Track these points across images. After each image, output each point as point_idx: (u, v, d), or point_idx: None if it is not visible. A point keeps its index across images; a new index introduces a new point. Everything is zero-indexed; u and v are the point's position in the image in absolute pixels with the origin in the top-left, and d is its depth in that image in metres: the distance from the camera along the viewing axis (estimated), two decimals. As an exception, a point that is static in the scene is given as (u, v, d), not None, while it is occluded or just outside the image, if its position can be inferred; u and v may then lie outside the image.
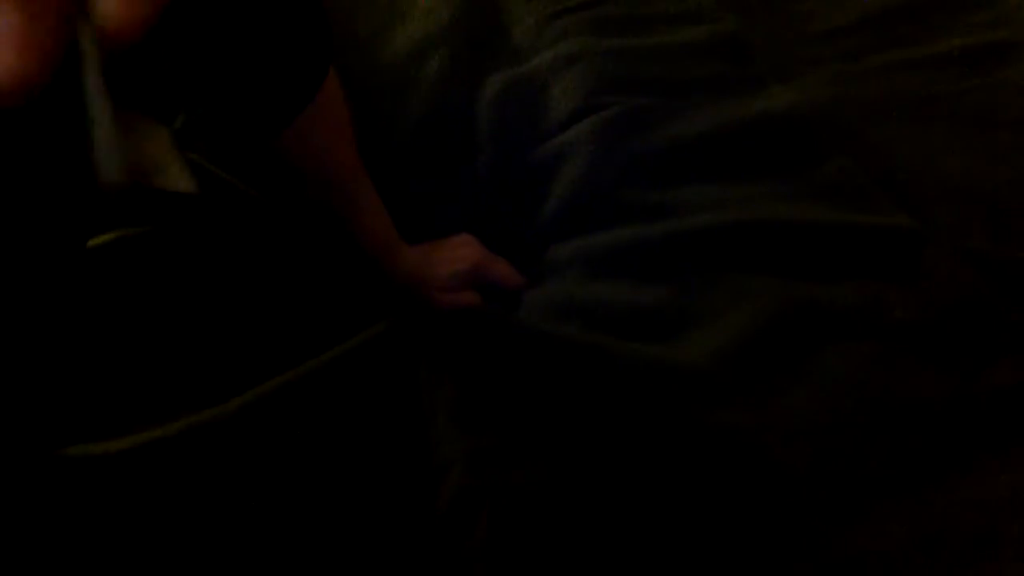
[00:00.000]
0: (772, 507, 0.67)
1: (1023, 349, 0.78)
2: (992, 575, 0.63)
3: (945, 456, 0.70)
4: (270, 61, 0.61)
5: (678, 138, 0.94)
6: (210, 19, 0.49)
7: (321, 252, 0.85)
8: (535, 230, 0.93)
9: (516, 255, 0.95)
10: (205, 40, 0.51)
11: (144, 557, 0.60)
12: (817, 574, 0.64)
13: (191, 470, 0.62)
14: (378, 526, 0.66)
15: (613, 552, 0.65)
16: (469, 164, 0.98)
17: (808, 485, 0.68)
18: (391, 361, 0.73)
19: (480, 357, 0.76)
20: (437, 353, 0.75)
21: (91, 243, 0.71)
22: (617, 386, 0.70)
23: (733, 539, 0.65)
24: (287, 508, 0.64)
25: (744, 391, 0.73)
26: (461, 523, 0.66)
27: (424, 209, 0.97)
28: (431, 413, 0.71)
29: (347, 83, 1.04)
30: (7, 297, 0.49)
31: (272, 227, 0.85)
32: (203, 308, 0.72)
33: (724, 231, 0.84)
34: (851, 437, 0.70)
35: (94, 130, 0.32)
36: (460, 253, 0.91)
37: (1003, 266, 0.84)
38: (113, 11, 0.30)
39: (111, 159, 0.32)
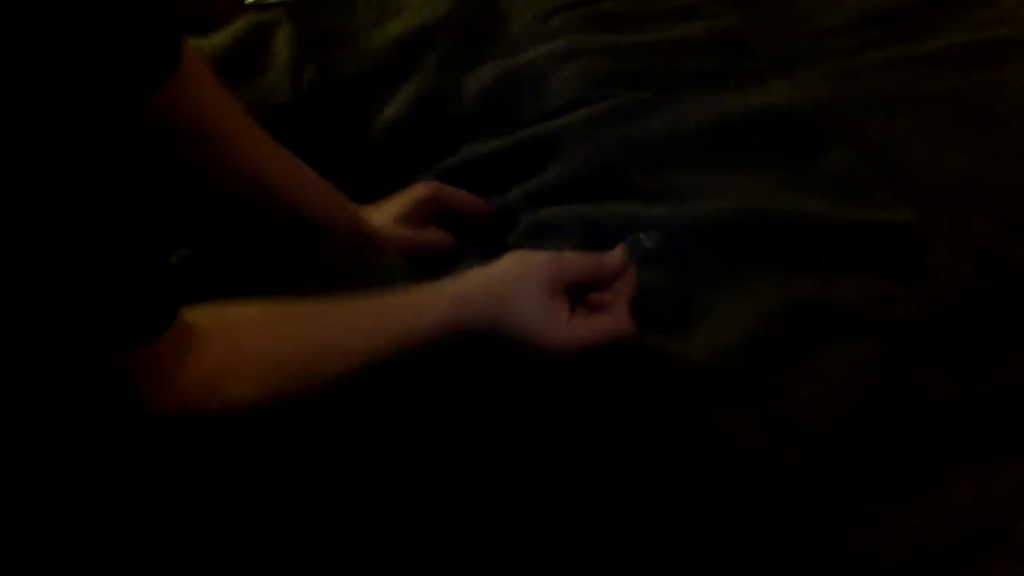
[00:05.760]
0: (773, 507, 0.66)
1: (1023, 349, 0.77)
2: (995, 576, 0.63)
3: (946, 456, 0.70)
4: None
5: (679, 127, 0.94)
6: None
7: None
8: (527, 196, 0.91)
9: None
10: None
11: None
12: (818, 574, 0.64)
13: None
14: (380, 526, 0.65)
15: (614, 550, 0.64)
16: (456, 152, 0.97)
17: (809, 485, 0.67)
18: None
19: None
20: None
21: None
22: (621, 382, 0.70)
23: (734, 538, 0.65)
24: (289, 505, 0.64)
25: (746, 390, 0.72)
26: (463, 522, 0.65)
27: None
28: (433, 411, 0.70)
29: (341, 72, 1.04)
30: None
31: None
32: None
33: (727, 218, 0.84)
34: (852, 437, 0.70)
35: None
36: (415, 189, 0.87)
37: (1004, 263, 0.84)
38: None
39: None
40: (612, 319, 0.68)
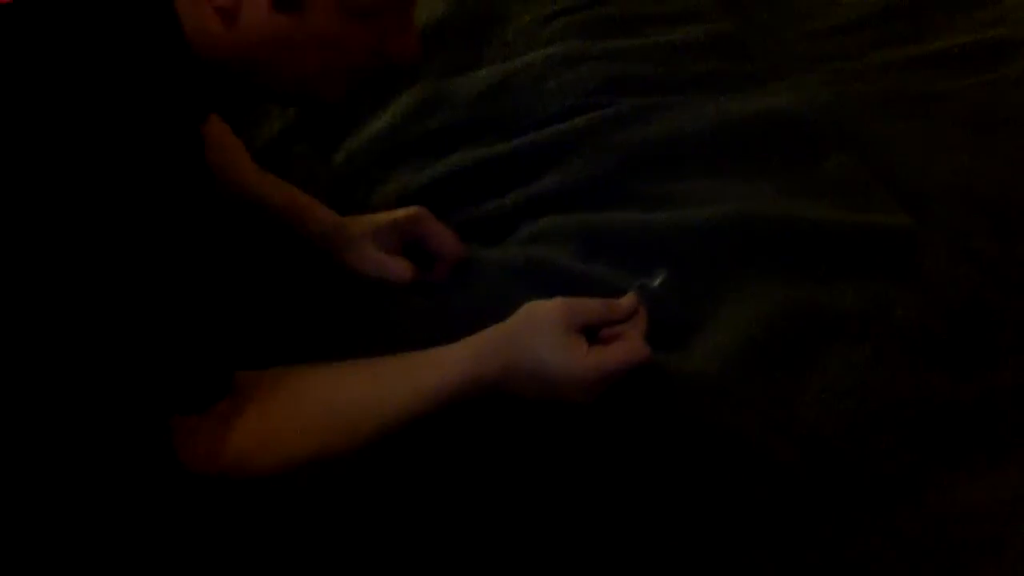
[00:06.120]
0: (776, 510, 0.66)
1: (1023, 349, 0.77)
2: (995, 579, 0.63)
3: (946, 457, 0.70)
4: None
5: (678, 133, 0.94)
6: None
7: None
8: (527, 203, 0.91)
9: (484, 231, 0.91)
10: None
11: None
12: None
13: None
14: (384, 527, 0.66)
15: (615, 551, 0.65)
16: (455, 151, 0.97)
17: (810, 488, 0.67)
18: None
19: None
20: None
21: None
22: (624, 386, 0.70)
23: (737, 540, 0.65)
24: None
25: (747, 393, 0.73)
26: (469, 523, 0.66)
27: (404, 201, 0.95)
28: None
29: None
30: None
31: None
32: None
33: (727, 223, 0.84)
34: (853, 440, 0.70)
35: None
36: (399, 211, 0.86)
37: (1003, 265, 0.84)
38: None
39: None
40: (628, 346, 0.69)
